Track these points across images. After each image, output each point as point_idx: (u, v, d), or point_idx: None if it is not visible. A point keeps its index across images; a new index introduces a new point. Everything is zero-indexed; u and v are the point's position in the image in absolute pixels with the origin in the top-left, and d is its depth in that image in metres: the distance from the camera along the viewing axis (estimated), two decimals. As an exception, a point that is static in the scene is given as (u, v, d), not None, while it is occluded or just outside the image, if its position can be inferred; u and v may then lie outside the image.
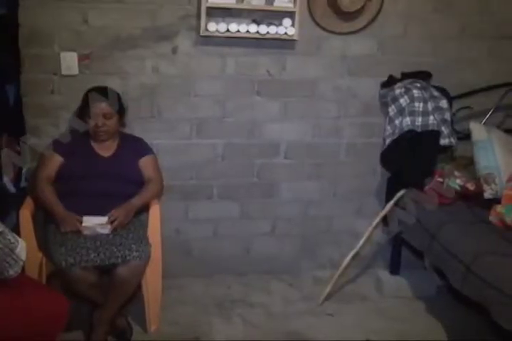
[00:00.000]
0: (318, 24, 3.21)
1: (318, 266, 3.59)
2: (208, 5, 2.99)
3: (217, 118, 3.26)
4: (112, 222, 2.68)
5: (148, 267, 2.70)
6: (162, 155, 3.15)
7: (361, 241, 3.21)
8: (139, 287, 2.78)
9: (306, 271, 3.57)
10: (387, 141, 3.21)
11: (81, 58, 3.00)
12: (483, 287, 2.37)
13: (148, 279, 2.77)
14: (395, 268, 3.45)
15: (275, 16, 3.11)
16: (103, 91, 2.82)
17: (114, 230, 2.67)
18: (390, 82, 3.28)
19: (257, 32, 3.06)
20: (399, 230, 3.21)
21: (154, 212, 2.92)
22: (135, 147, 2.95)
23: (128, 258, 2.57)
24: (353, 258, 3.25)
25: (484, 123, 3.35)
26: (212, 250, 3.47)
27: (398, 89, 3.19)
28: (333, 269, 3.29)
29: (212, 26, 3.01)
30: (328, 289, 3.22)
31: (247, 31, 3.06)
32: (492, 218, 2.83)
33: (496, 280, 2.32)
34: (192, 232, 3.41)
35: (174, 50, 3.12)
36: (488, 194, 3.05)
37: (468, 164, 3.18)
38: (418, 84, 3.19)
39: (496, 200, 2.96)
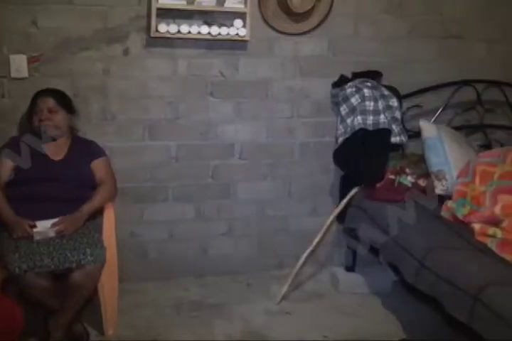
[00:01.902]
0: (269, 25, 3.24)
1: (275, 266, 3.60)
2: (158, 6, 2.98)
3: (170, 120, 3.25)
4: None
5: (103, 271, 2.67)
6: (115, 157, 3.12)
7: (316, 240, 3.24)
8: (95, 291, 2.74)
9: (263, 270, 3.58)
10: (340, 140, 3.25)
11: (31, 60, 2.95)
12: (436, 281, 2.42)
13: (104, 283, 2.74)
14: (350, 265, 3.49)
15: (226, 17, 3.12)
16: (50, 90, 2.81)
17: (62, 235, 2.63)
18: (341, 82, 3.32)
19: (209, 33, 3.07)
20: (353, 227, 3.25)
21: (108, 215, 2.89)
22: (87, 150, 2.92)
23: (82, 262, 2.54)
24: (309, 256, 3.28)
25: (434, 121, 3.43)
26: (169, 252, 3.44)
27: (349, 89, 3.23)
28: (290, 268, 3.31)
29: (162, 27, 3.00)
30: (285, 288, 3.24)
31: (199, 32, 3.06)
32: (443, 213, 2.90)
33: (448, 273, 2.37)
34: (148, 235, 3.38)
35: (125, 52, 3.10)
36: (439, 190, 3.12)
37: (419, 161, 3.25)
38: (369, 84, 3.24)
39: (447, 196, 3.03)
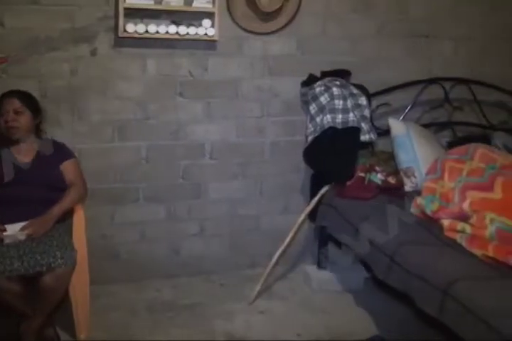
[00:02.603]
0: (237, 24, 3.24)
1: (248, 265, 3.61)
2: (126, 6, 2.97)
3: (139, 121, 3.23)
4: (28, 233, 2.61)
5: (74, 274, 2.64)
6: (85, 159, 3.10)
7: (288, 238, 3.25)
8: (67, 294, 2.72)
9: (236, 270, 3.58)
10: (309, 139, 3.26)
11: (-3, 61, 2.92)
12: (406, 277, 2.44)
13: (75, 286, 2.71)
14: (322, 263, 3.51)
15: (195, 17, 3.12)
16: (16, 91, 2.77)
17: (32, 239, 2.60)
18: (310, 81, 3.34)
19: (177, 33, 3.06)
20: (324, 225, 3.27)
21: (79, 217, 2.86)
22: (56, 152, 2.88)
23: (53, 265, 2.51)
24: (282, 255, 3.29)
25: (403, 119, 3.47)
26: (141, 253, 3.42)
27: (318, 88, 3.25)
28: (263, 267, 3.31)
29: (130, 27, 2.98)
30: (258, 287, 3.25)
31: (167, 32, 3.05)
32: (413, 210, 2.93)
33: (418, 269, 2.40)
34: (119, 236, 3.36)
35: (93, 52, 3.08)
36: (408, 187, 3.16)
37: (389, 158, 3.29)
38: (337, 82, 3.26)
39: (416, 192, 3.06)
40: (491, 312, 2.03)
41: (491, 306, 2.05)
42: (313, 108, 3.25)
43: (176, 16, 3.11)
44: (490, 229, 2.50)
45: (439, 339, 2.71)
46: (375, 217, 2.87)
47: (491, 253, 2.37)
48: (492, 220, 2.51)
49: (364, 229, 2.83)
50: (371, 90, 3.42)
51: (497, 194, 2.61)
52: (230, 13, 3.21)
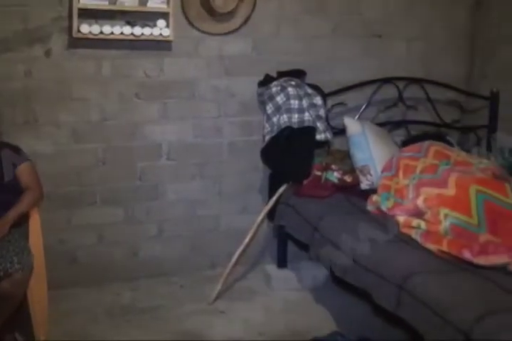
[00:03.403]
0: (192, 25, 3.25)
1: (208, 266, 3.60)
2: (80, 6, 2.95)
3: (95, 122, 3.21)
4: None
5: (32, 278, 2.60)
6: (41, 162, 3.04)
7: (247, 238, 3.27)
8: (25, 299, 2.67)
9: (196, 271, 3.57)
10: (267, 139, 3.28)
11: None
12: (363, 273, 2.48)
13: (33, 291, 2.66)
14: (282, 262, 3.53)
15: (149, 17, 3.11)
16: None
17: None
18: (266, 81, 3.37)
19: (132, 33, 3.05)
20: (283, 224, 3.29)
21: (35, 221, 2.81)
22: (11, 155, 2.82)
23: (10, 271, 2.46)
24: (241, 254, 3.30)
25: (358, 118, 3.51)
26: (99, 257, 3.39)
27: (274, 88, 3.27)
28: (223, 267, 3.31)
29: (85, 28, 2.96)
30: (218, 287, 3.25)
31: (122, 33, 3.04)
32: (369, 207, 2.97)
33: (374, 265, 2.44)
34: (76, 239, 3.32)
35: (47, 53, 3.04)
36: (364, 185, 3.21)
37: (345, 157, 3.33)
38: (293, 83, 3.29)
39: (372, 190, 3.10)
40: (445, 305, 2.08)
41: (445, 299, 2.10)
42: (269, 108, 3.27)
43: (130, 17, 3.10)
44: (444, 225, 2.56)
45: (397, 334, 2.75)
46: (332, 215, 2.91)
47: (445, 248, 2.43)
48: (446, 216, 2.57)
49: (321, 227, 2.86)
50: (326, 90, 3.45)
51: (450, 190, 2.66)
52: (185, 14, 3.21)
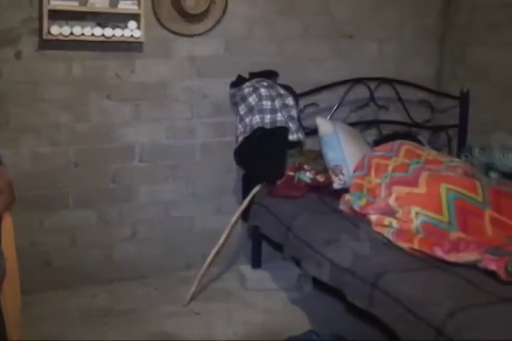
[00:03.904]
0: (164, 26, 3.24)
1: (182, 267, 3.59)
2: (50, 8, 2.92)
3: (67, 124, 3.18)
4: None
5: (4, 282, 2.56)
6: (12, 165, 2.99)
7: (222, 239, 3.27)
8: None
9: (171, 272, 3.55)
10: (240, 139, 3.29)
11: None
12: (336, 271, 2.50)
13: (5, 295, 2.63)
14: (256, 262, 3.54)
15: (120, 19, 3.09)
16: None
17: None
18: (238, 82, 3.37)
19: (103, 35, 3.04)
20: (257, 225, 3.30)
21: (7, 225, 2.77)
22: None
23: (-19, 274, 2.44)
24: (216, 255, 3.30)
25: (330, 118, 3.53)
26: (73, 260, 3.36)
27: (246, 89, 3.28)
28: (198, 268, 3.30)
29: (55, 30, 2.94)
30: (193, 289, 3.24)
31: (92, 34, 3.03)
32: (342, 206, 2.99)
33: (347, 263, 2.45)
34: (49, 243, 3.29)
35: (17, 55, 3.01)
36: (337, 184, 3.23)
37: (317, 157, 3.35)
38: (265, 83, 3.31)
39: (345, 190, 3.13)
40: (417, 302, 2.10)
41: (417, 296, 2.13)
42: (242, 109, 3.28)
43: (101, 18, 3.08)
44: (415, 223, 2.59)
45: (371, 332, 2.77)
46: (305, 214, 2.92)
47: (417, 246, 2.45)
48: (417, 214, 2.60)
49: (294, 227, 2.87)
50: (298, 90, 3.47)
51: (421, 188, 2.70)
52: (156, 15, 3.21)
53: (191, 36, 3.32)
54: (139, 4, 3.08)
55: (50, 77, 3.10)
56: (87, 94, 3.19)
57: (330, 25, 3.66)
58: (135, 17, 3.09)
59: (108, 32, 3.04)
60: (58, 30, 2.94)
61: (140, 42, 3.16)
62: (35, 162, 3.16)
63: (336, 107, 3.59)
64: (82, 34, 3.00)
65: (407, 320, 2.11)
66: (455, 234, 2.52)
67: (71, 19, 3.02)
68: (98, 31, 3.02)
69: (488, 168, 3.32)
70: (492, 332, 1.86)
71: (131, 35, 3.08)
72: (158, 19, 3.22)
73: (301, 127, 3.41)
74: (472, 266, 2.29)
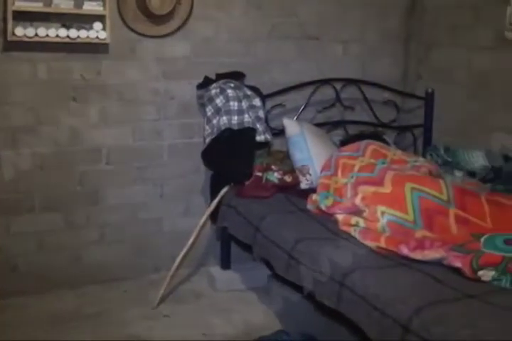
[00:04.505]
0: (129, 27, 3.23)
1: (151, 269, 3.58)
2: (15, 8, 2.90)
3: (32, 127, 3.15)
4: None
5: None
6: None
7: (190, 240, 3.27)
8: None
9: (139, 275, 3.54)
10: (207, 141, 3.28)
11: None
12: (304, 271, 2.51)
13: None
14: (225, 263, 3.55)
15: (85, 20, 3.07)
16: None
17: None
18: (205, 83, 3.37)
19: (67, 36, 3.02)
20: (225, 226, 3.30)
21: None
22: None
23: None
24: (185, 257, 3.29)
25: (297, 119, 3.56)
26: (40, 264, 3.32)
27: (213, 90, 3.28)
28: (167, 271, 3.29)
29: (19, 31, 2.91)
30: (162, 291, 3.23)
31: (57, 35, 3.01)
32: (309, 206, 3.01)
33: (314, 263, 2.47)
34: (16, 247, 3.25)
35: (-19, 57, 2.98)
36: (304, 184, 3.25)
37: (285, 158, 3.37)
38: (232, 84, 3.31)
39: (312, 190, 3.15)
40: (384, 299, 2.12)
41: (384, 294, 2.15)
42: (209, 110, 3.28)
43: (66, 19, 3.05)
44: (381, 222, 2.62)
45: (341, 331, 2.79)
46: (273, 215, 2.93)
47: (383, 245, 2.48)
48: (383, 213, 2.63)
49: (263, 227, 2.88)
50: (265, 91, 3.49)
51: (387, 188, 2.73)
52: (122, 16, 3.19)
53: (157, 37, 3.31)
54: (104, 5, 3.07)
55: (15, 79, 3.07)
56: (53, 96, 3.16)
57: (296, 27, 3.68)
58: (100, 18, 3.08)
59: (73, 33, 3.01)
60: (23, 31, 2.92)
61: (106, 44, 3.15)
62: (1, 165, 3.11)
63: (302, 108, 3.62)
64: (47, 35, 2.98)
65: (374, 317, 2.12)
66: (420, 233, 2.55)
67: (36, 20, 3.00)
68: (63, 32, 3.00)
69: (453, 167, 3.38)
70: (458, 328, 1.88)
71: (97, 37, 3.07)
72: (123, 20, 3.20)
73: (269, 128, 3.43)
74: (438, 263, 2.32)
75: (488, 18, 3.49)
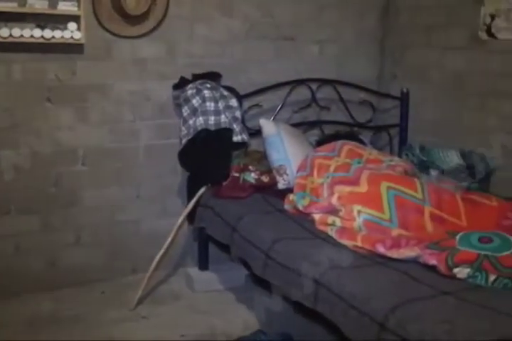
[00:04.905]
0: (104, 28, 3.21)
1: (129, 271, 3.56)
2: (-12, 9, 2.86)
3: (6, 128, 3.11)
4: None
5: None
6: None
7: (168, 241, 3.26)
8: None
9: (117, 277, 3.52)
10: (184, 141, 3.27)
11: None
12: (281, 270, 2.51)
13: None
14: (203, 264, 3.55)
15: (60, 20, 3.04)
16: None
17: None
18: (181, 84, 3.36)
19: (42, 36, 2.98)
20: (203, 226, 3.30)
21: None
22: None
23: None
24: (162, 258, 3.28)
25: (274, 119, 3.57)
26: (17, 267, 3.28)
27: (190, 90, 3.28)
28: (145, 272, 3.27)
29: (-7, 31, 2.88)
30: (139, 292, 3.22)
31: (32, 36, 2.97)
32: (286, 206, 3.02)
33: (291, 263, 2.48)
34: (-9, 251, 3.22)
35: (-45, 58, 2.94)
36: (281, 184, 3.26)
37: (262, 158, 3.37)
38: (208, 85, 3.31)
39: (289, 190, 3.16)
40: (361, 297, 2.14)
41: (360, 292, 2.16)
42: (185, 110, 3.27)
43: (41, 20, 3.02)
44: (358, 221, 2.64)
45: (319, 331, 2.80)
46: (250, 215, 2.93)
47: (359, 244, 2.50)
48: (359, 212, 2.65)
49: (240, 227, 2.88)
50: (242, 92, 3.49)
51: (363, 187, 2.75)
52: (97, 16, 3.17)
53: (133, 38, 3.30)
54: (78, 5, 3.05)
55: (-11, 80, 3.04)
56: (27, 97, 3.13)
57: (271, 27, 3.68)
58: (75, 18, 3.05)
59: (47, 33, 2.98)
60: (-3, 32, 2.89)
61: (80, 44, 3.12)
62: (-26, 167, 3.08)
63: (279, 108, 3.63)
64: (22, 36, 2.95)
65: (351, 316, 2.14)
66: (396, 231, 2.58)
67: (10, 20, 2.96)
68: (37, 33, 2.97)
69: (428, 166, 3.42)
70: (433, 325, 1.91)
71: (72, 37, 3.04)
72: (98, 20, 3.18)
73: (246, 128, 3.44)
74: (414, 261, 2.35)
75: (462, 19, 3.53)
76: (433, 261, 2.28)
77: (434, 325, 1.91)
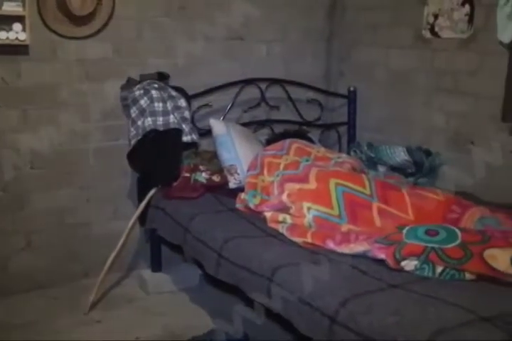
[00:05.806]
0: (50, 28, 3.17)
1: (81, 275, 3.52)
2: None
3: (-50, 132, 3.05)
4: None
5: None
6: None
7: (119, 244, 3.23)
8: None
9: (69, 281, 3.48)
10: (133, 142, 3.25)
11: None
12: (234, 269, 2.53)
13: None
14: (156, 266, 3.53)
15: (5, 21, 2.99)
16: None
17: None
18: (129, 85, 3.34)
19: (-13, 38, 2.94)
20: (155, 228, 3.29)
21: None
22: None
23: None
24: (115, 261, 3.26)
25: (224, 119, 3.58)
26: (-36, 274, 3.23)
27: (138, 91, 3.26)
28: (97, 276, 3.24)
29: None
30: (93, 297, 3.19)
31: (-25, 37, 2.92)
32: (238, 205, 3.03)
33: (244, 261, 2.50)
34: None
35: None
36: (232, 184, 3.28)
37: (212, 158, 3.38)
38: (156, 85, 3.30)
39: (241, 189, 3.18)
40: (312, 293, 2.17)
41: (312, 288, 2.19)
42: (134, 111, 3.25)
43: (-15, 20, 2.98)
44: (308, 218, 2.67)
45: (275, 327, 2.82)
46: (202, 215, 2.94)
47: (310, 240, 2.53)
48: (309, 209, 2.68)
49: (192, 228, 2.88)
50: (191, 92, 3.49)
51: (312, 184, 2.78)
52: (42, 17, 3.13)
53: (79, 38, 3.26)
54: (23, 6, 3.00)
55: None
56: (-29, 100, 3.07)
57: (220, 27, 3.69)
58: (20, 19, 3.00)
59: (-8, 35, 2.94)
60: None
61: (26, 45, 3.07)
62: None
63: (228, 108, 3.64)
64: (-36, 37, 2.90)
65: (303, 311, 2.17)
66: (346, 227, 2.62)
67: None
68: (-18, 34, 2.93)
69: (376, 163, 3.48)
70: (383, 317, 1.95)
71: (16, 38, 3.00)
72: (43, 21, 3.14)
73: (196, 128, 3.44)
74: (363, 256, 2.38)
75: (406, 18, 3.60)
76: (381, 255, 2.32)
77: (383, 317, 1.95)
